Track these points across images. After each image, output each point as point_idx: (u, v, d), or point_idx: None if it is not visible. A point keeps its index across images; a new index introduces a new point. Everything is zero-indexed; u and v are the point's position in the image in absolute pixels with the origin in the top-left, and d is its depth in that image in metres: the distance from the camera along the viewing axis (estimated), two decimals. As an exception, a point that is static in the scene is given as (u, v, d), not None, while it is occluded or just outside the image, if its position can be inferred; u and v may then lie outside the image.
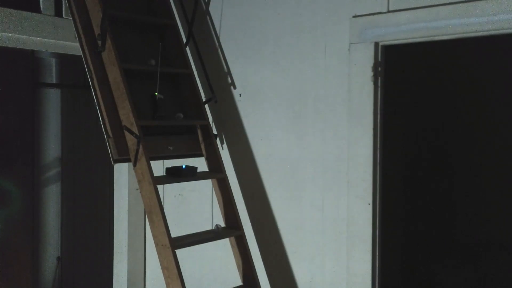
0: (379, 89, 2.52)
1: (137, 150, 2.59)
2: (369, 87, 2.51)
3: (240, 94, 3.04)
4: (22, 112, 4.55)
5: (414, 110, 4.19)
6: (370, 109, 2.51)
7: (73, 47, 3.25)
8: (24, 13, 3.07)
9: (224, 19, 3.11)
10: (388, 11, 2.46)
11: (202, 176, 2.90)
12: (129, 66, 2.74)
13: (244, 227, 2.86)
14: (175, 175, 2.80)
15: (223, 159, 2.95)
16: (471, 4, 2.22)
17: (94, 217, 4.88)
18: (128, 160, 2.68)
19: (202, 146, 2.98)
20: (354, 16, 2.56)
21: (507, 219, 4.04)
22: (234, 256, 2.87)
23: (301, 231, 2.80)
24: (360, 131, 2.54)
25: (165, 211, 2.63)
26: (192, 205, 3.30)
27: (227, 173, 2.91)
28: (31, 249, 4.63)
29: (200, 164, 2.96)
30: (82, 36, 2.75)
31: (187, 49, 3.08)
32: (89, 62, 2.73)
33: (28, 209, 4.60)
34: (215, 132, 3.11)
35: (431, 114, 4.27)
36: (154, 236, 2.58)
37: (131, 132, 2.60)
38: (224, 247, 3.00)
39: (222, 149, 3.10)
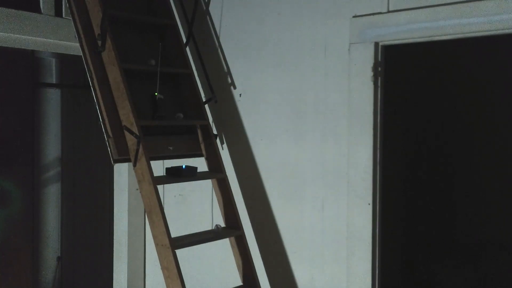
0: (379, 89, 2.52)
1: (137, 150, 2.59)
2: (369, 87, 2.51)
3: (240, 94, 3.04)
4: (22, 112, 4.55)
5: (414, 110, 4.19)
6: (370, 109, 2.51)
7: (73, 47, 3.25)
8: (24, 13, 3.07)
9: (224, 19, 3.11)
10: (388, 11, 2.46)
11: (202, 176, 2.90)
12: (129, 66, 2.74)
13: (244, 227, 2.86)
14: (175, 175, 2.79)
15: (223, 159, 2.95)
16: (471, 4, 2.22)
17: (94, 217, 4.89)
18: (128, 160, 2.68)
19: (202, 146, 2.98)
20: (354, 16, 2.56)
21: (507, 219, 4.04)
22: (234, 256, 2.87)
23: (301, 231, 2.80)
24: (360, 131, 2.54)
25: (165, 211, 2.63)
26: (192, 205, 3.30)
27: (227, 173, 2.91)
28: (31, 249, 4.64)
29: (200, 164, 2.96)
30: (82, 36, 2.75)
31: (187, 49, 3.08)
32: (89, 62, 2.73)
33: (28, 209, 4.60)
34: (215, 132, 3.11)
35: (431, 114, 4.27)
36: (154, 236, 2.58)
37: (131, 132, 2.60)
38: (224, 247, 3.00)
39: (222, 149, 3.10)
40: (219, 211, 2.95)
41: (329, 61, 2.66)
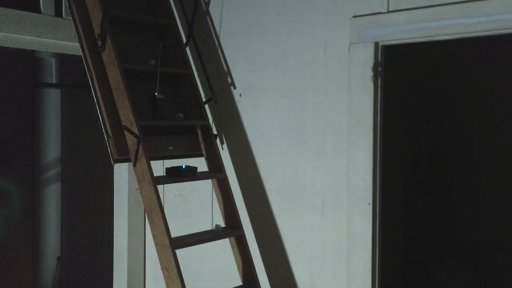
0: (379, 89, 2.52)
1: (137, 150, 2.59)
2: (369, 87, 2.51)
3: (240, 94, 3.04)
4: (22, 112, 4.55)
5: (414, 110, 4.20)
6: (370, 109, 2.51)
7: (73, 47, 3.25)
8: (24, 13, 3.07)
9: (224, 19, 3.11)
10: (388, 11, 2.46)
11: (202, 176, 2.90)
12: (129, 66, 2.74)
13: (244, 227, 2.86)
14: (175, 175, 2.79)
15: (223, 159, 2.95)
16: (471, 4, 2.22)
17: (94, 217, 4.89)
18: (128, 160, 2.68)
19: (202, 146, 2.98)
20: (354, 16, 2.56)
21: (507, 219, 4.04)
22: (234, 256, 2.87)
23: (301, 231, 2.80)
24: (360, 131, 2.54)
25: (165, 211, 2.63)
26: (192, 205, 3.30)
27: (227, 173, 2.91)
28: (31, 249, 4.64)
29: (200, 164, 2.96)
30: (82, 36, 2.75)
31: (187, 49, 3.08)
32: (89, 62, 2.73)
33: (28, 209, 4.60)
34: (215, 132, 3.11)
35: (431, 114, 4.27)
36: (154, 236, 2.58)
37: (131, 132, 2.60)
38: (224, 247, 3.00)
39: (222, 149, 3.10)
40: (219, 211, 2.95)
41: (329, 61, 2.66)
